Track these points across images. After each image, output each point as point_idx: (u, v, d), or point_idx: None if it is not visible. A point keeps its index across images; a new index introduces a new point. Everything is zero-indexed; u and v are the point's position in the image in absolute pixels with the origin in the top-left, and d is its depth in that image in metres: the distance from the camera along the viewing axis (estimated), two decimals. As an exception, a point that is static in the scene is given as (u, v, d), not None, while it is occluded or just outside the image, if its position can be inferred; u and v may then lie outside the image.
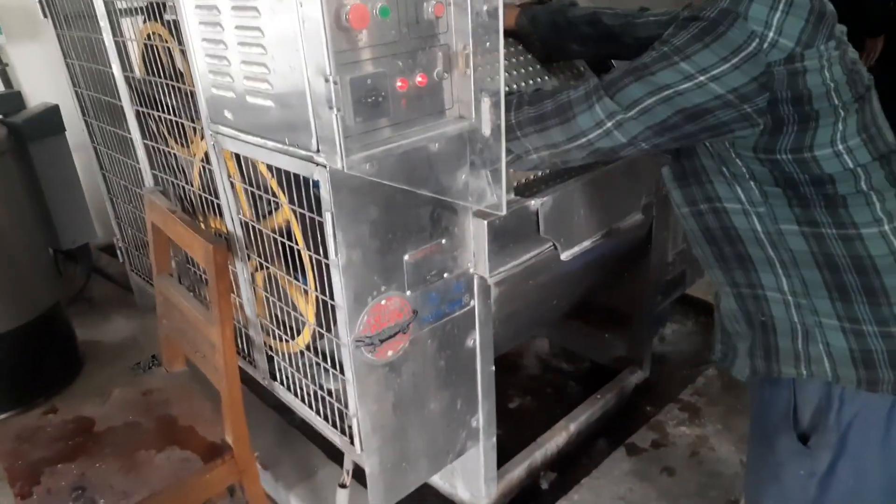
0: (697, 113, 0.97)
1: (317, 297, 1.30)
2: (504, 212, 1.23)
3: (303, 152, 1.10)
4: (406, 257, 1.26)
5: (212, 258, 1.37)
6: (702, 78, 0.94)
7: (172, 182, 1.69)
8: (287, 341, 1.51)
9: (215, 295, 1.39)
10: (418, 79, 1.14)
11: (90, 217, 2.44)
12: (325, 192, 1.11)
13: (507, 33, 1.68)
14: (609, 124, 1.06)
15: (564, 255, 1.52)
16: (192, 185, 1.60)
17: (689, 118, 0.98)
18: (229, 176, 1.39)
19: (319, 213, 1.16)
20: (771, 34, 0.90)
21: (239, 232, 1.46)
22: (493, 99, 1.14)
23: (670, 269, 2.05)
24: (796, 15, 0.91)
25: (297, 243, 1.30)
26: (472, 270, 1.39)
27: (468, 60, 1.17)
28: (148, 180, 1.83)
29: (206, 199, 1.55)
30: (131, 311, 2.60)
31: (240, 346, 1.69)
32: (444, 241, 1.32)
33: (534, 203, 1.41)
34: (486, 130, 1.17)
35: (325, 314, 1.30)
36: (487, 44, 1.17)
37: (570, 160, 1.19)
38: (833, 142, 0.94)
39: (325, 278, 1.22)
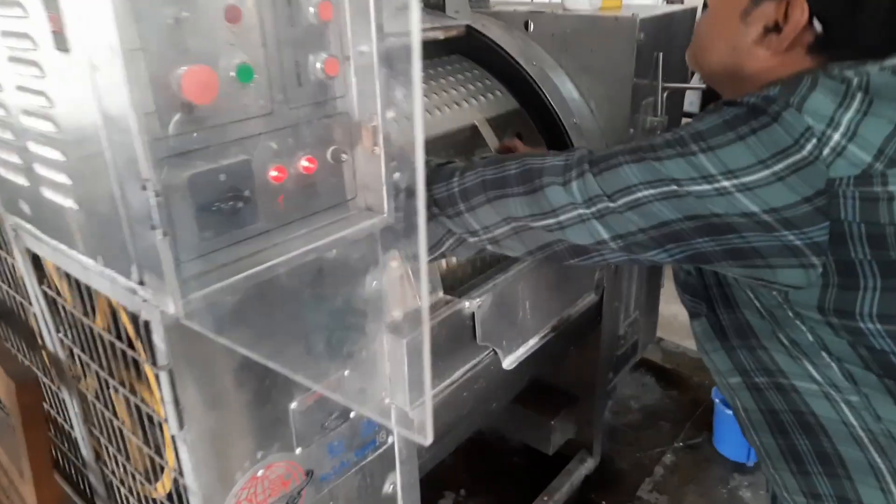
0: (716, 226, 0.68)
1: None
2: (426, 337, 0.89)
3: (123, 280, 0.73)
4: (293, 405, 0.90)
5: (14, 400, 0.96)
6: (727, 183, 0.65)
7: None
8: (142, 484, 1.11)
9: (24, 448, 0.99)
10: (303, 164, 0.78)
11: None
12: (159, 341, 0.74)
13: None
14: (587, 210, 0.76)
15: (507, 363, 1.20)
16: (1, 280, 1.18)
17: (705, 230, 0.69)
18: (40, 283, 0.99)
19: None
20: (836, 137, 0.61)
21: (62, 352, 1.05)
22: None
23: (622, 343, 1.77)
24: (880, 116, 0.62)
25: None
26: (387, 401, 1.05)
27: (376, 134, 0.83)
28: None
29: (18, 301, 1.13)
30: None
31: (84, 490, 1.27)
32: (346, 372, 0.96)
33: (468, 305, 1.08)
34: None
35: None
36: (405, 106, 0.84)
37: (536, 247, 0.86)
38: None
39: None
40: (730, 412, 1.71)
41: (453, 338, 1.07)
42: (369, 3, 0.77)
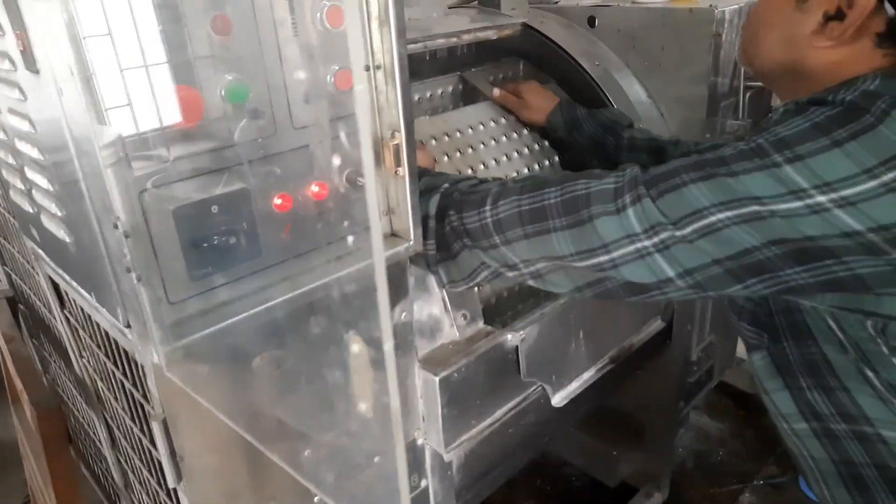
0: (810, 252, 0.56)
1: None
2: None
3: (112, 319, 0.66)
4: (307, 453, 0.82)
5: (35, 430, 0.93)
6: (822, 198, 0.54)
7: (21, 286, 1.25)
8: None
9: (47, 475, 0.96)
10: (312, 189, 0.70)
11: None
12: (152, 387, 0.67)
13: (529, 126, 1.30)
14: (647, 243, 0.64)
15: (557, 400, 1.07)
16: (37, 297, 1.16)
17: (795, 258, 0.58)
18: (61, 308, 0.95)
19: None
20: None
21: (87, 376, 1.02)
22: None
23: (695, 370, 1.61)
24: None
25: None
26: (420, 441, 0.95)
27: (400, 153, 0.73)
28: None
29: (48, 319, 1.11)
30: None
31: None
32: (370, 414, 0.87)
33: (511, 337, 0.97)
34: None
35: None
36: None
37: (584, 283, 0.74)
38: None
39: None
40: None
41: (494, 373, 0.96)
42: (388, 5, 0.67)
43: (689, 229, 0.61)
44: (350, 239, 0.75)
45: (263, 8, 0.61)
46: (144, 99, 0.53)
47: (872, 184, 0.54)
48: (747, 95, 1.38)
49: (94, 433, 1.14)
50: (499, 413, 1.00)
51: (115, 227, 0.54)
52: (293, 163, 0.67)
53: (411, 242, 0.79)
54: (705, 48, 1.25)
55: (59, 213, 0.66)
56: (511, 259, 0.77)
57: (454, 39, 1.25)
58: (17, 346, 1.06)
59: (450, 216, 0.81)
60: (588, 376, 1.13)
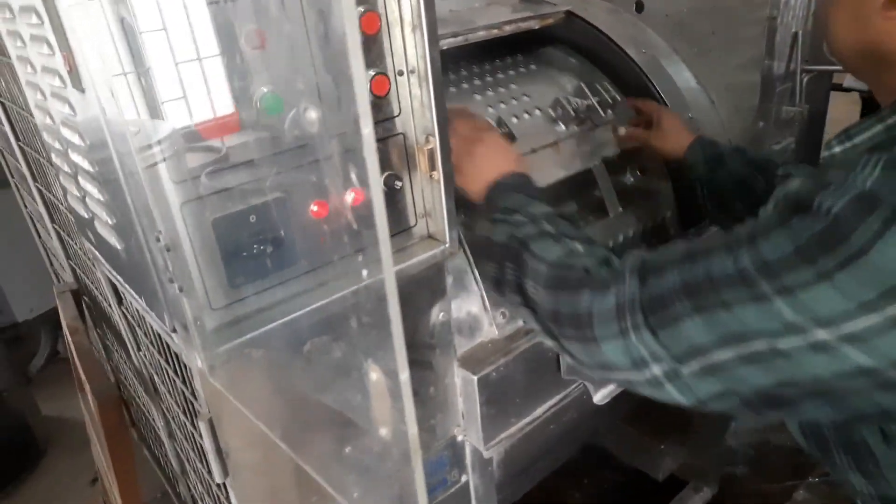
0: (826, 392, 0.52)
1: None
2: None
3: (160, 323, 0.69)
4: (348, 449, 0.84)
5: (97, 419, 0.98)
6: (825, 335, 0.49)
7: (85, 279, 1.31)
8: None
9: (109, 462, 1.01)
10: (349, 196, 0.71)
11: (51, 281, 2.11)
12: (199, 387, 0.70)
13: (665, 159, 1.16)
14: (655, 371, 0.61)
15: (599, 398, 1.06)
16: (98, 291, 1.22)
17: (812, 396, 0.54)
18: (119, 304, 1.00)
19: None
20: None
21: (144, 370, 1.06)
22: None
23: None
24: None
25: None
26: (461, 438, 0.96)
27: (435, 157, 0.73)
28: (65, 275, 1.46)
29: (108, 313, 1.17)
30: (106, 380, 2.28)
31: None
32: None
33: (551, 336, 0.96)
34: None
35: None
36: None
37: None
38: None
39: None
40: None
41: (534, 372, 0.96)
42: (421, 11, 0.67)
43: (694, 366, 0.57)
44: (392, 239, 0.76)
45: (296, 18, 0.62)
46: (183, 118, 0.55)
47: (877, 320, 0.47)
48: (805, 79, 1.31)
49: (153, 421, 1.20)
50: (539, 411, 1.00)
51: (157, 240, 0.56)
52: (329, 170, 0.68)
53: (447, 245, 0.79)
54: (758, 32, 1.20)
55: (111, 221, 0.69)
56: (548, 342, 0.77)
57: (495, 31, 1.23)
58: (81, 338, 1.12)
59: (508, 268, 0.79)
60: (632, 373, 1.11)
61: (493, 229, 0.82)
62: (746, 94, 1.26)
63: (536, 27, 1.31)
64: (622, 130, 1.19)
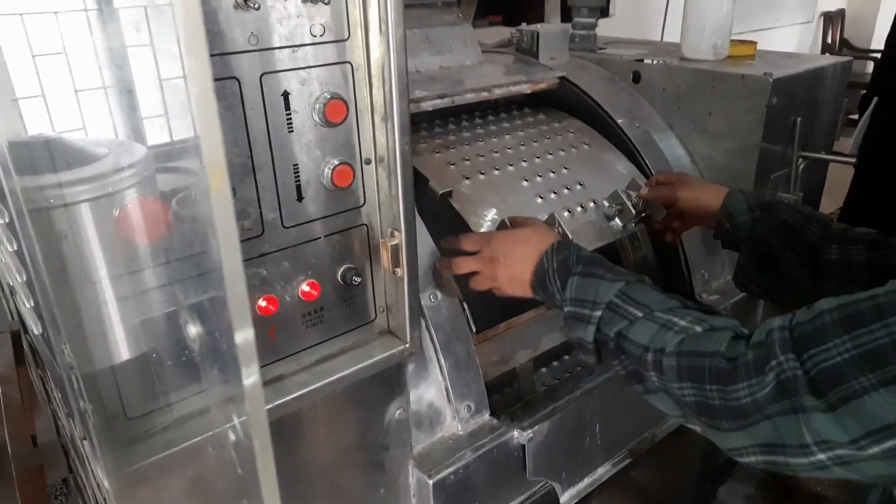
0: None
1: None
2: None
3: (71, 426, 0.62)
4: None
5: (15, 484, 0.90)
6: None
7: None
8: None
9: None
10: (303, 289, 0.64)
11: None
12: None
13: (696, 220, 1.03)
14: (821, 456, 0.55)
15: (566, 499, 0.99)
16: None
17: None
18: (36, 366, 0.91)
19: None
20: None
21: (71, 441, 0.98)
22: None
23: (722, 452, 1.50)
24: None
25: None
26: (412, 542, 0.88)
27: (399, 254, 0.67)
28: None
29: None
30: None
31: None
32: (359, 517, 0.81)
33: (518, 435, 0.89)
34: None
35: None
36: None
37: None
38: None
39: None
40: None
41: (497, 472, 0.89)
42: (393, 101, 0.61)
43: (875, 449, 0.51)
44: (340, 339, 0.70)
45: (254, 103, 0.55)
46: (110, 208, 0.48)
47: None
48: (801, 166, 1.27)
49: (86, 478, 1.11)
50: (500, 513, 0.92)
51: (62, 352, 0.49)
52: (282, 263, 0.62)
53: (408, 344, 0.72)
54: (757, 119, 1.16)
55: (27, 304, 0.62)
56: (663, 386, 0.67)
57: (485, 94, 1.18)
58: (12, 390, 1.04)
59: (623, 360, 0.71)
60: (603, 471, 1.04)
61: (567, 325, 0.74)
62: (743, 177, 1.21)
63: (528, 91, 1.26)
64: (644, 190, 1.06)
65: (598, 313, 0.71)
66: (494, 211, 0.95)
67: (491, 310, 0.98)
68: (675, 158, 1.26)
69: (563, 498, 0.99)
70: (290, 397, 0.62)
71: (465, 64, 1.26)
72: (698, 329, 0.65)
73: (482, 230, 0.94)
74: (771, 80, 1.13)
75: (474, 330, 0.91)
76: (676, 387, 0.64)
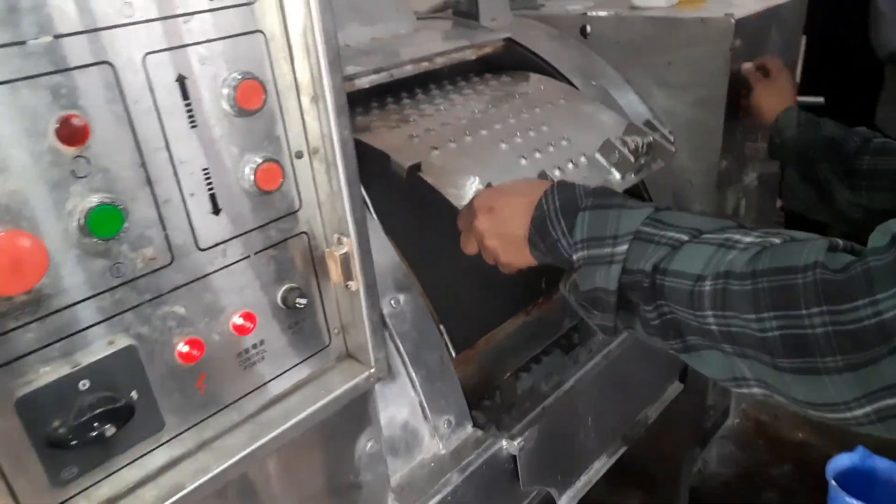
0: None
1: None
2: None
3: None
4: None
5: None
6: None
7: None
8: None
9: None
10: (235, 323, 0.52)
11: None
12: None
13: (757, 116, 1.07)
14: None
15: (564, 502, 0.90)
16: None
17: None
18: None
19: None
20: None
21: None
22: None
23: (710, 414, 1.45)
24: None
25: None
26: (400, 580, 0.78)
27: (350, 263, 0.55)
28: None
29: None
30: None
31: None
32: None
33: (507, 445, 0.79)
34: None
35: None
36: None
37: None
38: None
39: None
40: (850, 500, 1.34)
41: (487, 490, 0.79)
42: (322, 76, 0.48)
43: None
44: (290, 374, 0.57)
45: (138, 94, 0.42)
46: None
47: None
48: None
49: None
50: (495, 531, 0.82)
51: None
52: (202, 296, 0.49)
53: (372, 369, 0.61)
54: (721, 66, 1.07)
55: None
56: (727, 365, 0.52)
57: (425, 64, 1.06)
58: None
59: (660, 306, 0.55)
60: (599, 465, 0.96)
61: (580, 275, 0.59)
62: (709, 131, 1.13)
63: (473, 58, 1.14)
64: (747, 65, 1.10)
65: (624, 247, 0.55)
66: (477, 179, 0.81)
67: (465, 326, 0.87)
68: (637, 116, 1.17)
69: (561, 501, 0.90)
70: (230, 462, 0.49)
71: (400, 33, 1.13)
72: (776, 240, 0.50)
73: (464, 202, 0.80)
74: (733, 21, 1.04)
75: (453, 355, 0.81)
76: (753, 319, 0.48)
